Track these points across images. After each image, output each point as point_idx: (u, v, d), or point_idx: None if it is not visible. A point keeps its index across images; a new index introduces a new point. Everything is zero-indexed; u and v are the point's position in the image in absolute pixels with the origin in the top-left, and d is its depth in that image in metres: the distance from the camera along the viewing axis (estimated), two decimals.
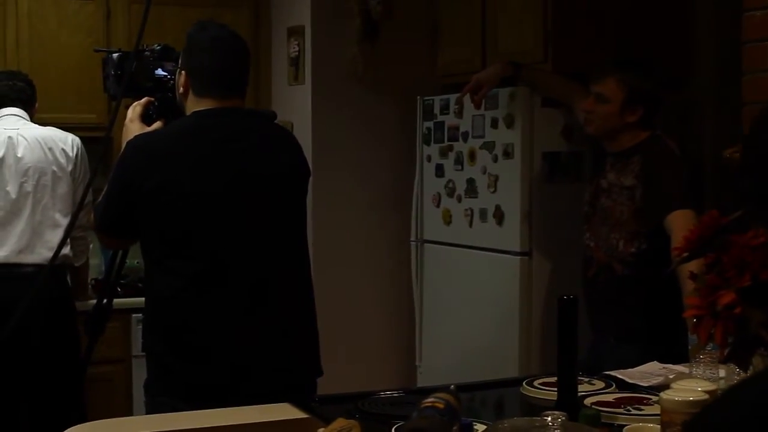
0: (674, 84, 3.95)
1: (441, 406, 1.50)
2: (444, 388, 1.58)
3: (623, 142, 3.48)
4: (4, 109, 4.25)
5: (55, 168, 4.20)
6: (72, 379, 4.10)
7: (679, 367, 2.70)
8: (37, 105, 4.37)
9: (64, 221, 4.17)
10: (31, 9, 4.74)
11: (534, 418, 1.81)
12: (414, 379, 4.65)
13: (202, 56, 2.82)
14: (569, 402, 2.16)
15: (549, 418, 1.75)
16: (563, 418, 1.75)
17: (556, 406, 2.14)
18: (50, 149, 4.21)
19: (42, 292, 3.95)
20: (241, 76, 2.88)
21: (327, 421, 2.05)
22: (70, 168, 4.24)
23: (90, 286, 4.74)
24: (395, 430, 1.98)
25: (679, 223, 3.15)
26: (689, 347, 2.51)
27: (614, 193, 3.48)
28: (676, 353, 3.00)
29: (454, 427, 1.50)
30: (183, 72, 2.85)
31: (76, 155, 4.29)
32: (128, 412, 4.41)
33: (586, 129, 3.61)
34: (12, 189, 4.12)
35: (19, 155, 4.13)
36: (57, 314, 4.15)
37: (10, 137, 4.16)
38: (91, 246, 4.50)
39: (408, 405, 2.23)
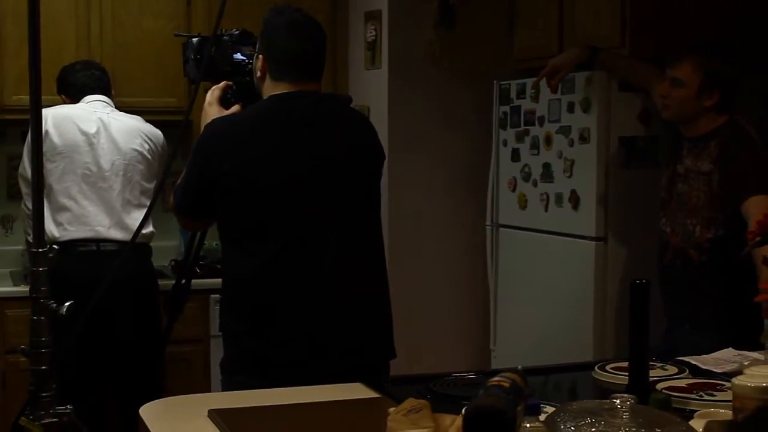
0: (754, 67, 3.89)
1: (507, 385, 1.52)
2: (511, 368, 1.60)
3: (700, 127, 3.44)
4: (89, 96, 4.38)
5: (144, 151, 4.32)
6: (153, 356, 4.20)
7: (755, 354, 2.68)
8: (113, 92, 4.48)
9: (148, 202, 4.29)
10: None
11: (603, 400, 1.81)
12: (488, 362, 4.66)
13: (278, 40, 2.86)
14: (640, 386, 2.16)
15: (618, 401, 1.75)
16: (632, 401, 1.76)
17: (627, 389, 2.14)
18: (140, 134, 4.33)
19: (126, 269, 4.05)
20: (317, 60, 2.91)
21: (398, 401, 2.07)
22: (156, 159, 4.37)
23: (170, 267, 4.84)
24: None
25: (757, 209, 3.10)
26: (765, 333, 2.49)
27: (691, 179, 3.44)
28: (752, 340, 2.98)
29: (520, 407, 1.52)
30: (260, 56, 2.89)
31: (163, 147, 4.42)
32: (206, 391, 4.48)
33: (663, 114, 3.57)
34: (105, 165, 4.24)
35: (113, 134, 4.26)
36: (140, 291, 4.25)
37: (101, 118, 4.29)
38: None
39: (480, 387, 2.24)
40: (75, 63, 4.50)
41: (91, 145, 4.23)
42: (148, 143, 4.35)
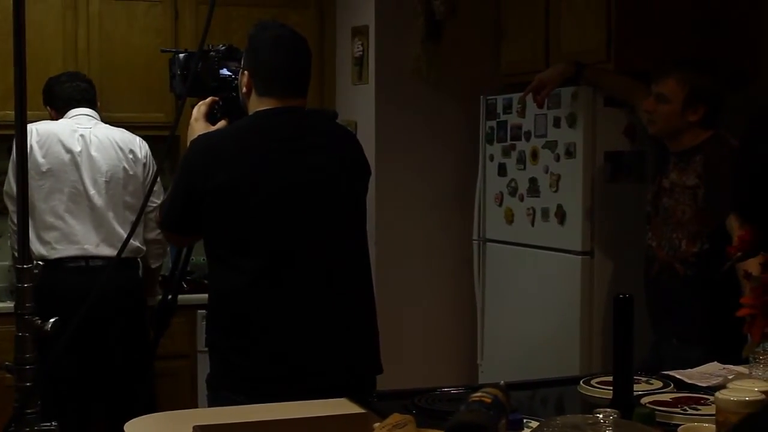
0: (739, 82, 3.91)
1: (488, 400, 1.52)
2: (493, 384, 1.60)
3: (685, 142, 3.47)
4: (75, 110, 4.37)
5: (126, 166, 4.31)
6: (140, 371, 4.19)
7: (739, 368, 2.68)
8: (99, 104, 4.48)
9: (133, 217, 4.28)
10: (102, 11, 4.84)
11: (586, 415, 1.82)
12: (475, 377, 4.66)
13: (263, 56, 2.86)
14: (624, 400, 2.16)
15: (601, 416, 1.75)
16: (615, 415, 1.76)
17: (611, 404, 2.14)
18: (121, 149, 4.33)
19: (112, 284, 4.05)
20: (302, 76, 2.91)
21: (383, 416, 2.07)
22: (139, 169, 4.35)
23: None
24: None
25: (741, 224, 3.12)
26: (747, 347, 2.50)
27: (676, 193, 3.46)
28: (738, 354, 2.98)
29: (501, 422, 1.52)
30: (245, 72, 2.90)
31: (145, 156, 4.40)
32: (193, 406, 4.47)
33: (649, 129, 3.60)
34: (89, 184, 4.23)
35: (93, 153, 4.25)
36: (127, 306, 4.24)
37: (82, 135, 4.28)
38: (168, 249, 4.58)
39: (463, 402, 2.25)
40: (61, 74, 4.49)
41: (76, 163, 4.22)
42: (130, 156, 4.33)
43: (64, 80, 4.43)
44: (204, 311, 4.07)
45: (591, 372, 3.53)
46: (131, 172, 4.33)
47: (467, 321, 4.82)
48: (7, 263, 4.96)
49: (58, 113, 4.39)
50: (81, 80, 4.46)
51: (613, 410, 1.77)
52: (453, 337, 4.91)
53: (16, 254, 4.40)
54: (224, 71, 3.19)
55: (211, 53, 3.22)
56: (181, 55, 3.37)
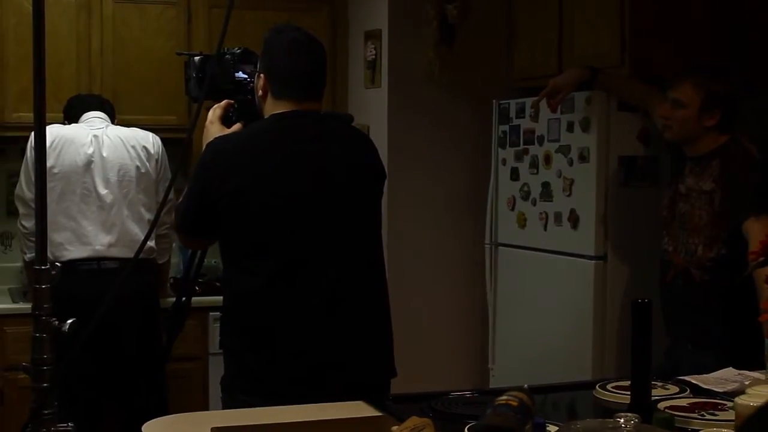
0: (753, 86, 3.91)
1: (515, 404, 1.52)
2: (518, 387, 1.60)
3: (702, 147, 3.46)
4: (89, 113, 4.40)
5: (138, 164, 4.33)
6: (153, 372, 4.19)
7: (755, 374, 2.68)
8: (116, 122, 4.51)
9: (149, 215, 4.29)
10: (115, 14, 4.85)
11: (606, 419, 1.82)
12: (486, 381, 4.66)
13: (279, 59, 2.86)
14: (642, 405, 2.15)
15: (622, 420, 1.75)
16: (636, 420, 1.76)
17: (629, 409, 2.13)
18: (132, 147, 4.34)
19: (127, 287, 4.05)
20: (318, 79, 2.91)
21: (400, 420, 2.07)
22: (152, 165, 4.37)
23: (169, 285, 4.84)
24: (468, 429, 2.00)
25: (757, 229, 3.12)
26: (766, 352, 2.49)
27: (693, 198, 3.45)
28: (753, 359, 2.98)
29: (527, 426, 1.52)
30: (261, 75, 2.90)
31: (158, 152, 4.41)
32: (205, 408, 4.48)
33: (665, 135, 3.59)
34: (101, 186, 4.25)
35: (104, 154, 4.27)
36: (142, 308, 4.25)
37: (95, 136, 4.30)
38: (174, 245, 4.61)
39: (481, 405, 2.24)
40: (85, 95, 4.57)
41: (88, 165, 4.24)
42: (142, 153, 4.34)
43: (82, 95, 4.51)
44: (216, 313, 4.08)
45: (603, 377, 3.52)
46: (143, 170, 4.34)
47: (479, 325, 4.82)
48: (18, 264, 4.97)
49: (72, 121, 4.42)
50: (102, 98, 4.54)
51: (635, 415, 1.77)
52: (464, 341, 4.91)
53: (25, 257, 4.41)
54: (240, 74, 3.19)
55: (227, 56, 3.21)
56: (197, 58, 3.36)
